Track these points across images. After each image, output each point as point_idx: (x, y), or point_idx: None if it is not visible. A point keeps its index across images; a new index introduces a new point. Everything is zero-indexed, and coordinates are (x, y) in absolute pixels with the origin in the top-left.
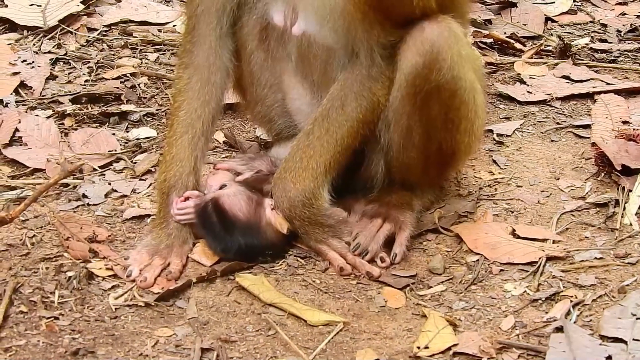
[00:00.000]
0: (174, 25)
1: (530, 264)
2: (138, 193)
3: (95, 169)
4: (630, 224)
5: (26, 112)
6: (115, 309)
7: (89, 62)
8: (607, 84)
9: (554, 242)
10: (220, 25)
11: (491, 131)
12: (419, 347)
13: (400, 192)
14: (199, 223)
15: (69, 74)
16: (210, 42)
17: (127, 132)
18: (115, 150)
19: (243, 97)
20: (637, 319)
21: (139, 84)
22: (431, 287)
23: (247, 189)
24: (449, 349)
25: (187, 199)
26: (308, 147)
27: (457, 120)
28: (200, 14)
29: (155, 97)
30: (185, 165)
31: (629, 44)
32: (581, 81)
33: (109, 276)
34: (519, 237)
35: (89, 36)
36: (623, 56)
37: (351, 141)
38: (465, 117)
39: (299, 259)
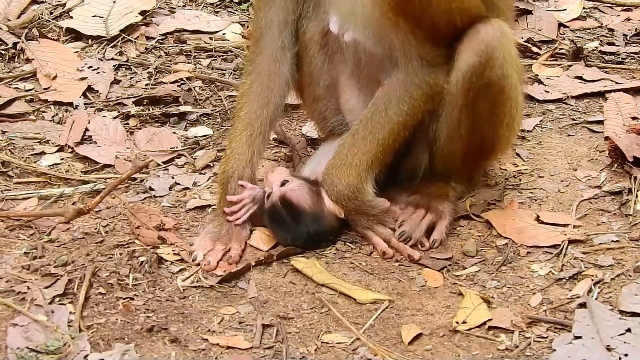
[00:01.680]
0: (223, 34)
1: (554, 246)
2: (199, 186)
3: (159, 164)
4: None
5: (94, 113)
6: (184, 289)
7: (149, 67)
8: (617, 83)
9: (574, 227)
10: (282, 38)
11: None
12: (457, 322)
13: (439, 183)
14: (269, 219)
15: (131, 78)
16: (271, 53)
17: (186, 130)
18: (177, 147)
19: (301, 95)
20: None
21: (194, 87)
22: (466, 268)
23: (306, 182)
24: (484, 323)
25: (242, 187)
26: (353, 146)
27: (501, 116)
28: (264, 28)
29: (210, 98)
30: (242, 159)
31: (634, 46)
32: (593, 81)
33: (177, 260)
34: (543, 223)
35: (147, 44)
36: (630, 58)
37: (392, 142)
38: (509, 113)
39: (346, 243)
